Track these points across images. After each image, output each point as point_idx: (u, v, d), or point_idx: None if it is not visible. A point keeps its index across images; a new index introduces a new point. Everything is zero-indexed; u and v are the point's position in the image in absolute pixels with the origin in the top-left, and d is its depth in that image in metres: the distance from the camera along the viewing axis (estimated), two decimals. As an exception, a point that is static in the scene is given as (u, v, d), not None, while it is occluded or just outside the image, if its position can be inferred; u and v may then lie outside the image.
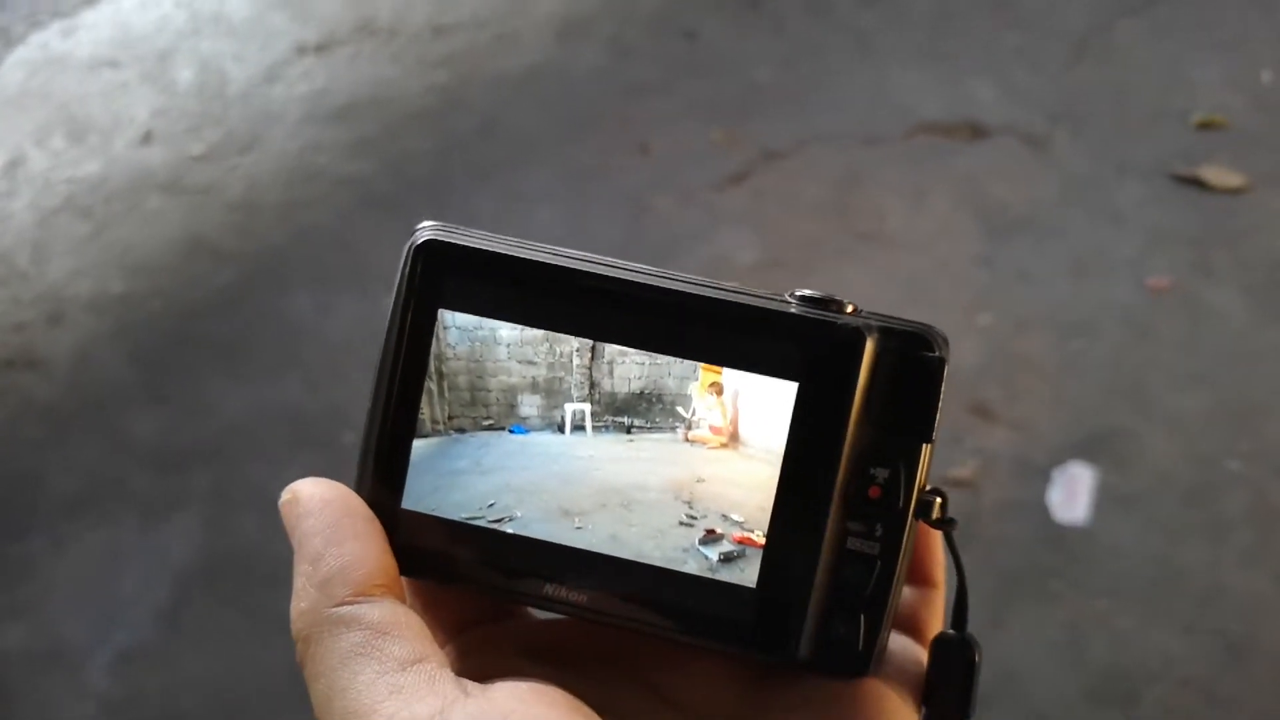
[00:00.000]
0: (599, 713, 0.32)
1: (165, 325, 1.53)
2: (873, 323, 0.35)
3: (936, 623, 0.38)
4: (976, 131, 1.59)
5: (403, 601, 0.33)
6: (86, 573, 1.32)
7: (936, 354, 0.35)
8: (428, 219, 0.37)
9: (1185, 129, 1.55)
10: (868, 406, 0.34)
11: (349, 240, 1.59)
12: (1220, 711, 1.10)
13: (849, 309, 0.35)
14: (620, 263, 0.36)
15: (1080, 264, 1.44)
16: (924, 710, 0.36)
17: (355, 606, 0.32)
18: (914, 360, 0.35)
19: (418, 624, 0.33)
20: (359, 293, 1.52)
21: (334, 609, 0.32)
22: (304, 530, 0.34)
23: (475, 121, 1.71)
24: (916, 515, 0.35)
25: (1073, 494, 1.27)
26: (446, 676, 0.31)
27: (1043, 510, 1.26)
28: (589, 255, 0.36)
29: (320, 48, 1.83)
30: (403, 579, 0.36)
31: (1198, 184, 1.49)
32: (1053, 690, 1.14)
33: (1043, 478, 1.28)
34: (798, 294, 0.35)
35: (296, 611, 0.33)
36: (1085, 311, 1.39)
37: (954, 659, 0.36)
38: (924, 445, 0.35)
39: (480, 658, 0.36)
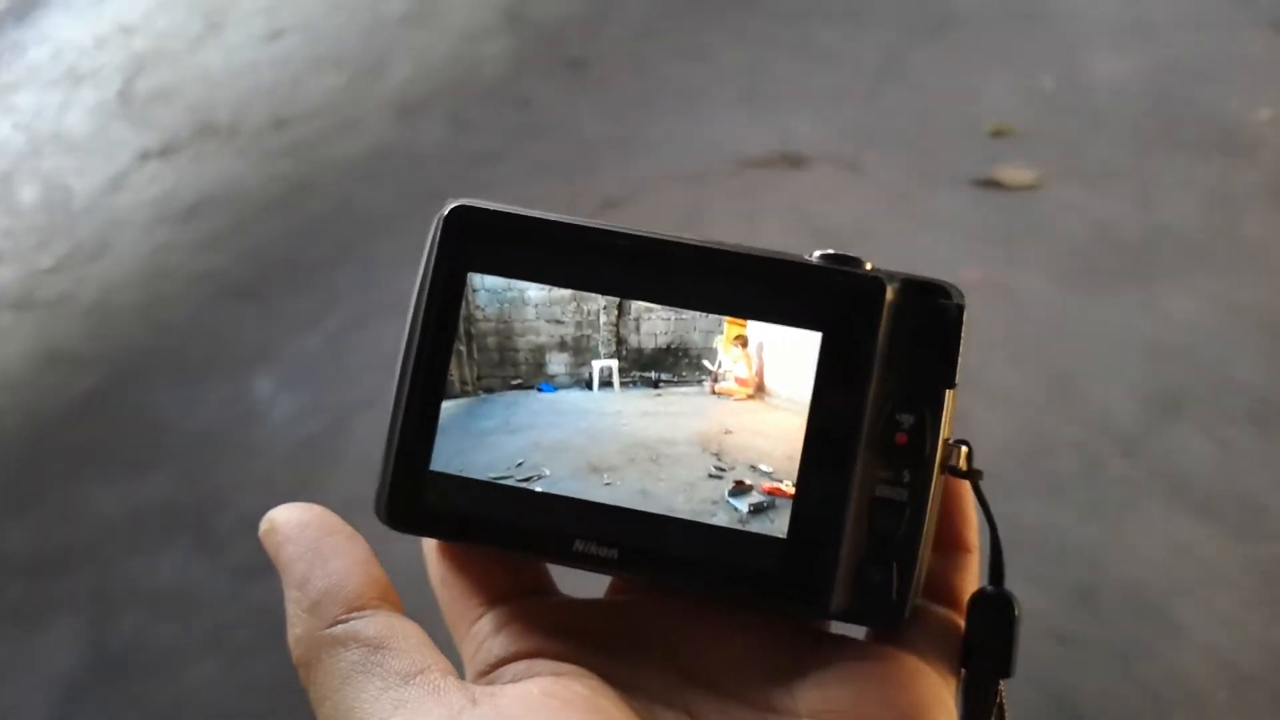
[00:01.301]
0: (625, 692, 0.32)
1: (27, 436, 1.52)
2: (894, 275, 0.35)
3: (971, 587, 0.37)
4: (796, 161, 1.71)
5: (398, 611, 0.33)
6: (-37, 692, 1.28)
7: (955, 303, 0.35)
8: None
9: (980, 138, 1.70)
10: (891, 354, 0.35)
11: (209, 331, 1.61)
12: (1071, 649, 1.19)
13: (868, 266, 0.36)
14: (642, 229, 0.37)
15: (901, 265, 1.54)
16: (963, 673, 0.35)
17: (349, 624, 0.32)
18: (934, 308, 0.35)
19: (415, 632, 0.32)
20: (223, 380, 1.53)
21: (328, 629, 0.32)
22: (286, 556, 0.33)
23: (326, 204, 1.76)
24: (943, 463, 0.35)
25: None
26: (451, 685, 0.31)
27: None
28: (612, 224, 0.37)
29: (164, 152, 1.87)
30: (427, 558, 0.37)
31: (996, 185, 1.63)
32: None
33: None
34: (818, 253, 0.36)
35: (293, 638, 0.32)
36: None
37: (992, 616, 0.36)
38: (947, 391, 0.35)
39: (511, 633, 0.35)
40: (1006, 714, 0.36)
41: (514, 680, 0.33)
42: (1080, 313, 1.50)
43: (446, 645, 0.34)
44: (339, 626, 0.32)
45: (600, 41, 1.95)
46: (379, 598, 0.33)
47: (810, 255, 0.36)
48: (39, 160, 1.88)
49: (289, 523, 0.34)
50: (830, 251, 0.35)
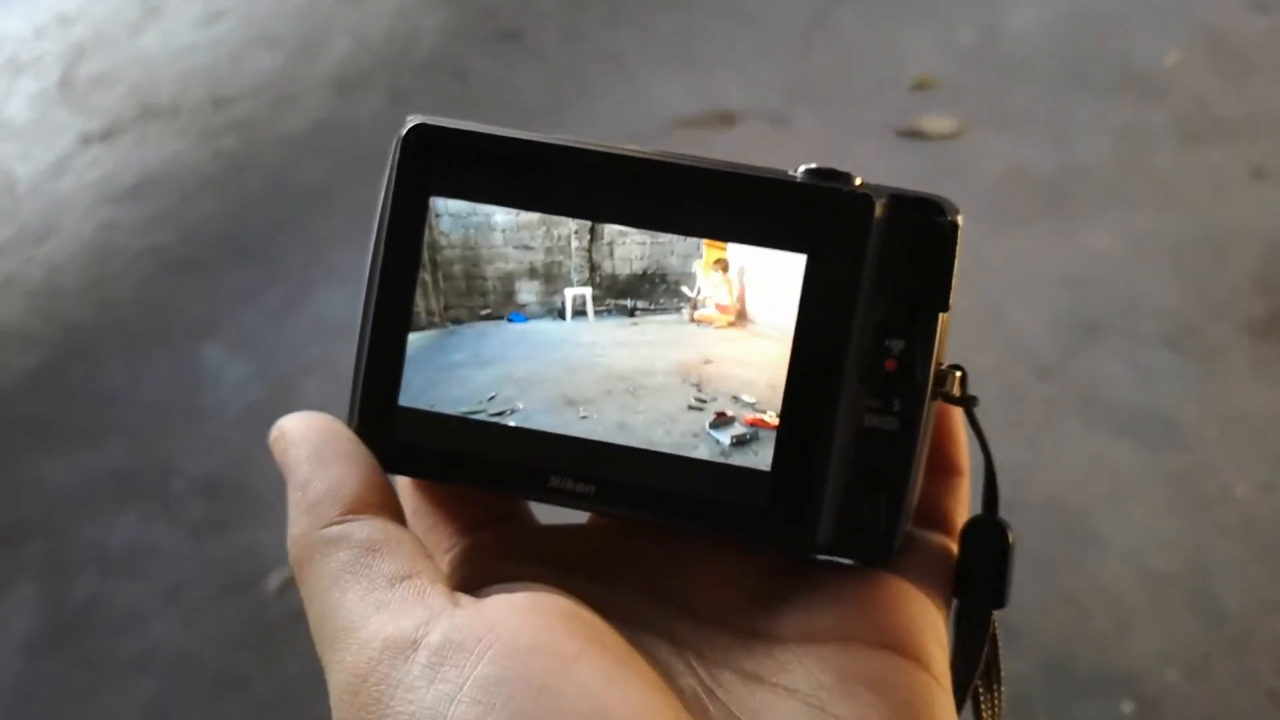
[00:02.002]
0: (605, 618, 0.31)
1: (-26, 414, 1.53)
2: (882, 190, 0.33)
3: (963, 511, 0.36)
4: (727, 119, 1.76)
5: (395, 519, 0.33)
6: (-79, 660, 1.30)
7: (949, 220, 0.33)
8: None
9: (903, 90, 1.75)
10: (880, 276, 0.33)
11: (154, 306, 1.64)
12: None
13: (857, 181, 0.33)
14: (615, 145, 0.34)
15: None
16: (956, 601, 0.35)
17: (344, 525, 0.32)
18: (926, 227, 0.33)
19: (409, 540, 0.32)
20: (170, 352, 1.56)
21: (323, 530, 0.32)
22: (291, 459, 0.33)
23: (267, 179, 1.79)
24: (935, 391, 0.33)
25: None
26: (437, 590, 0.30)
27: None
28: (587, 140, 0.35)
29: (105, 135, 1.88)
30: (399, 490, 0.36)
31: (919, 135, 1.69)
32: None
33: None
34: (802, 168, 0.33)
35: (290, 538, 0.32)
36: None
37: (986, 544, 0.34)
38: (940, 315, 0.33)
39: (485, 562, 0.35)
40: (1000, 645, 0.35)
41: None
42: (1001, 249, 1.56)
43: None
44: (334, 528, 0.32)
45: (532, 13, 1.99)
46: (377, 504, 0.33)
47: (795, 171, 0.33)
48: (-20, 150, 1.89)
49: (297, 429, 0.34)
50: (815, 166, 0.33)
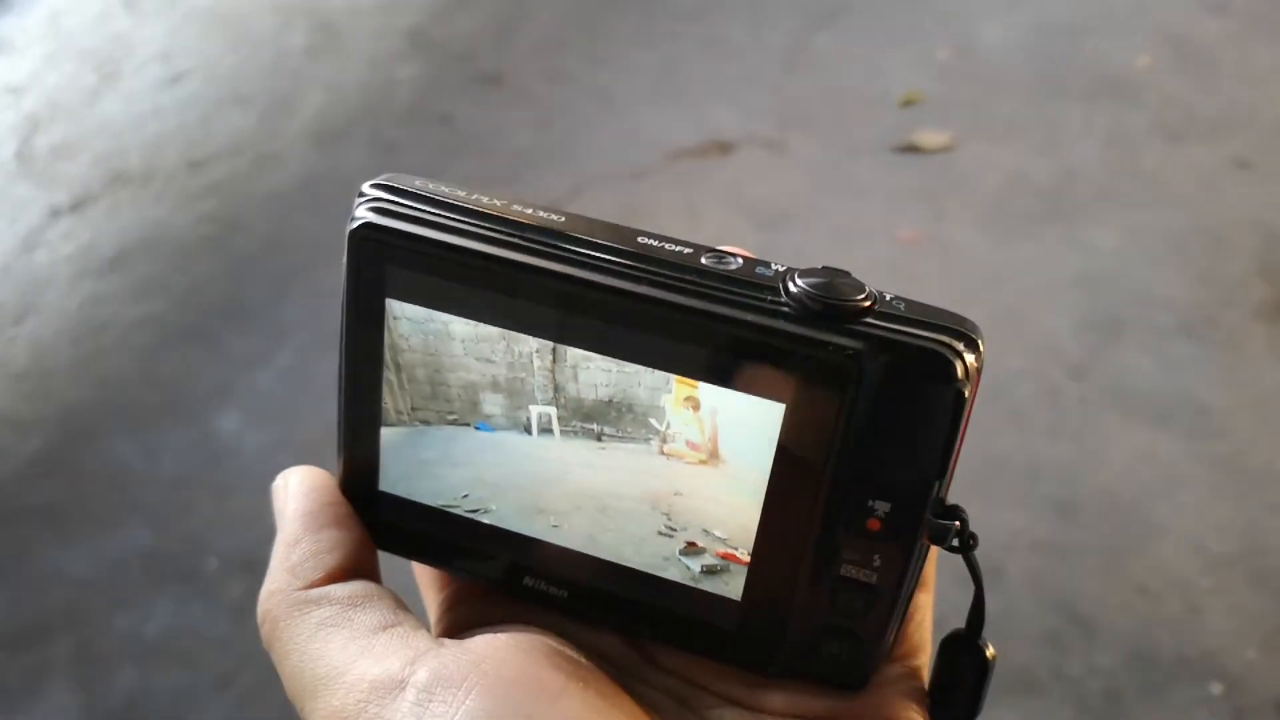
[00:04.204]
0: (591, 661, 0.31)
1: (-24, 509, 1.44)
2: (879, 337, 0.29)
3: (924, 612, 0.35)
4: (724, 148, 1.77)
5: (377, 583, 0.33)
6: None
7: (952, 384, 0.29)
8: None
9: (892, 108, 1.79)
10: (870, 433, 0.30)
11: (158, 377, 1.56)
12: (1062, 557, 1.26)
13: (863, 302, 0.29)
14: (591, 235, 0.31)
15: (841, 235, 1.63)
16: (929, 707, 0.34)
17: (325, 588, 0.32)
18: (926, 388, 0.29)
19: (390, 597, 0.32)
20: (183, 424, 1.49)
21: (302, 591, 0.32)
22: (287, 515, 0.34)
23: (257, 239, 1.73)
24: (930, 540, 0.31)
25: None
26: (420, 634, 0.30)
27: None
28: (557, 223, 0.31)
29: (75, 206, 1.80)
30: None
31: (915, 149, 1.73)
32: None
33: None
34: (798, 282, 0.29)
35: (266, 592, 0.32)
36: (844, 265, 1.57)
37: (966, 661, 0.34)
38: (935, 481, 0.30)
39: (474, 604, 0.35)
40: None
41: None
42: (1011, 255, 1.60)
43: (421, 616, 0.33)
44: (314, 590, 0.32)
45: (510, 56, 1.98)
46: (362, 572, 0.33)
47: (788, 285, 0.29)
48: (-66, 231, 1.79)
49: (300, 485, 0.34)
50: (812, 283, 0.29)
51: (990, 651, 0.34)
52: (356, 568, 0.33)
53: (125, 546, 1.38)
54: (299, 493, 0.34)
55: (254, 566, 1.35)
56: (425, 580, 0.37)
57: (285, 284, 1.66)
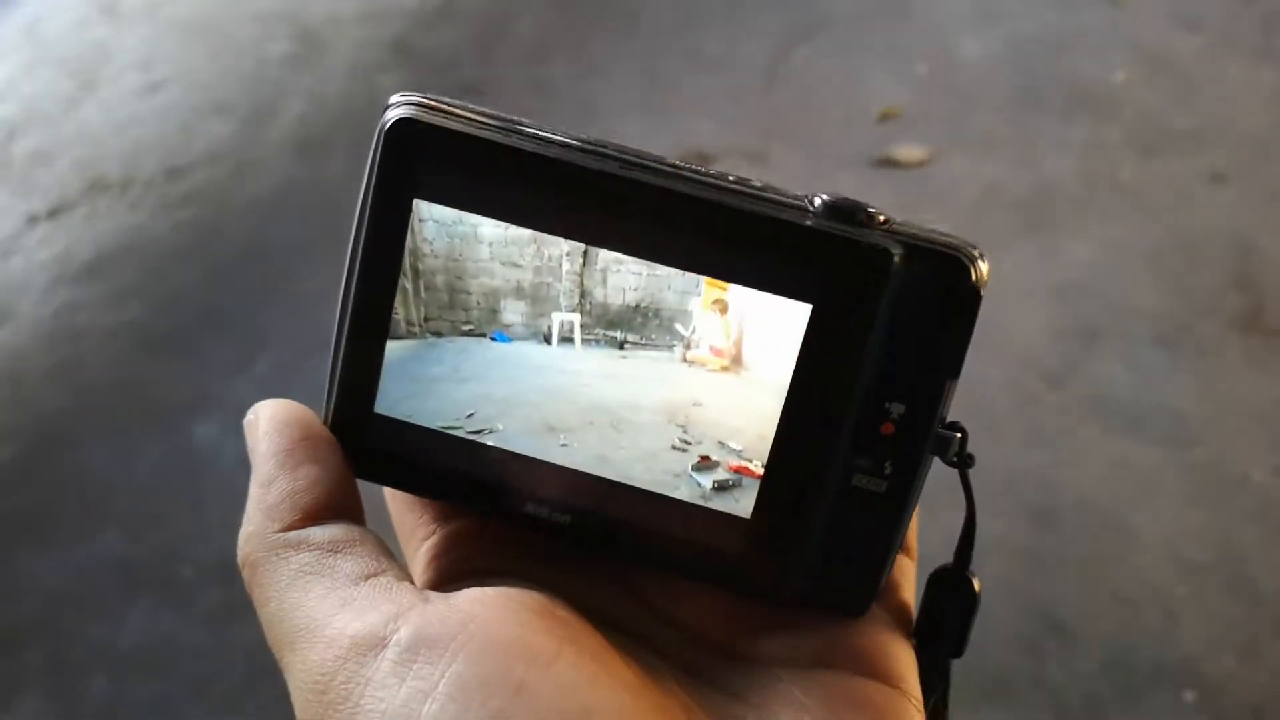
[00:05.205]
0: (585, 616, 0.30)
1: (-52, 517, 1.42)
2: (902, 241, 0.30)
3: (908, 569, 0.36)
4: (705, 160, 1.78)
5: (360, 524, 0.31)
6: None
7: (970, 283, 0.31)
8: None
9: (870, 122, 1.81)
10: (888, 336, 0.31)
11: (134, 385, 1.55)
12: (1041, 565, 1.27)
13: (879, 219, 0.31)
14: (627, 151, 0.31)
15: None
16: (914, 643, 0.34)
17: (303, 530, 0.30)
18: (945, 288, 0.31)
19: (373, 540, 0.31)
20: (160, 432, 1.47)
21: (280, 534, 0.30)
22: (260, 453, 0.32)
23: (237, 246, 1.72)
24: (932, 452, 0.32)
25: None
26: (404, 587, 0.29)
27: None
28: (593, 140, 0.32)
29: (53, 213, 1.79)
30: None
31: (894, 164, 1.74)
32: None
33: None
34: (823, 198, 0.31)
35: (244, 535, 0.31)
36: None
37: (952, 596, 0.34)
38: (948, 382, 0.31)
39: (463, 552, 0.34)
40: (949, 689, 0.36)
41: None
42: (991, 266, 1.61)
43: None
44: (293, 532, 0.30)
45: (492, 67, 1.98)
46: (341, 510, 0.31)
47: (814, 200, 0.31)
48: (-92, 238, 1.77)
49: (272, 419, 0.32)
50: (835, 199, 0.31)
51: (977, 585, 0.34)
52: (337, 506, 0.31)
53: (100, 555, 1.36)
54: (271, 428, 0.32)
55: (230, 576, 1.34)
56: (406, 527, 0.35)
57: (264, 292, 1.65)
